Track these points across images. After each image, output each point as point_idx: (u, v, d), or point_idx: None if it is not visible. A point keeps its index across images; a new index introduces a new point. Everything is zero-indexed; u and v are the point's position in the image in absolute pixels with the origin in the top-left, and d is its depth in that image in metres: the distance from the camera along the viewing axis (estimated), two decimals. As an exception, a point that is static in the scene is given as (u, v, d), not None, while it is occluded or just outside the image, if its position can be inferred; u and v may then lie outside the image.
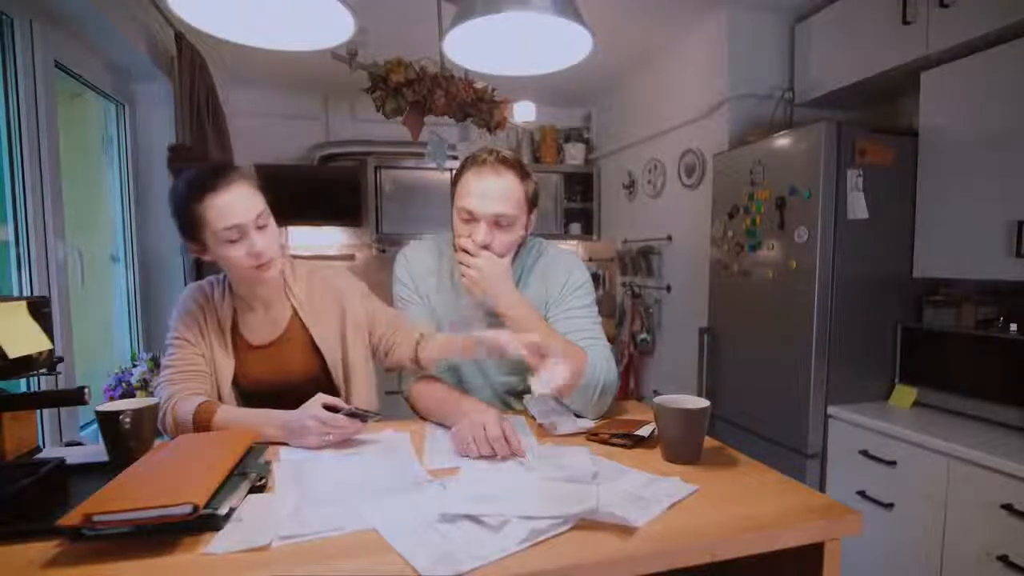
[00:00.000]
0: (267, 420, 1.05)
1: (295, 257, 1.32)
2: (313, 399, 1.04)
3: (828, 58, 2.33)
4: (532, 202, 1.27)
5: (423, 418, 1.25)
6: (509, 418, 1.16)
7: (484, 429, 0.97)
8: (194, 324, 1.18)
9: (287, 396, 1.14)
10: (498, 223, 1.20)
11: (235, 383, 1.19)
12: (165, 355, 1.18)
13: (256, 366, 1.20)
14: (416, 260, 1.36)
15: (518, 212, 1.22)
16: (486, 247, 1.21)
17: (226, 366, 1.19)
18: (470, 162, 1.23)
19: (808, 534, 0.73)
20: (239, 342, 1.21)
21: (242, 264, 1.10)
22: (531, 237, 1.36)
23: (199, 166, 1.15)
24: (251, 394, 1.20)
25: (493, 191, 1.18)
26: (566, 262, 1.36)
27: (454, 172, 1.29)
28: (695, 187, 2.77)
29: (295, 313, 1.24)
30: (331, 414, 1.01)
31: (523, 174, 1.23)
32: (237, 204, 1.07)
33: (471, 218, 1.20)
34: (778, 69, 2.53)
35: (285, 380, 1.21)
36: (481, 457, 0.97)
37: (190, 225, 1.09)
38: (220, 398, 1.18)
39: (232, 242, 1.08)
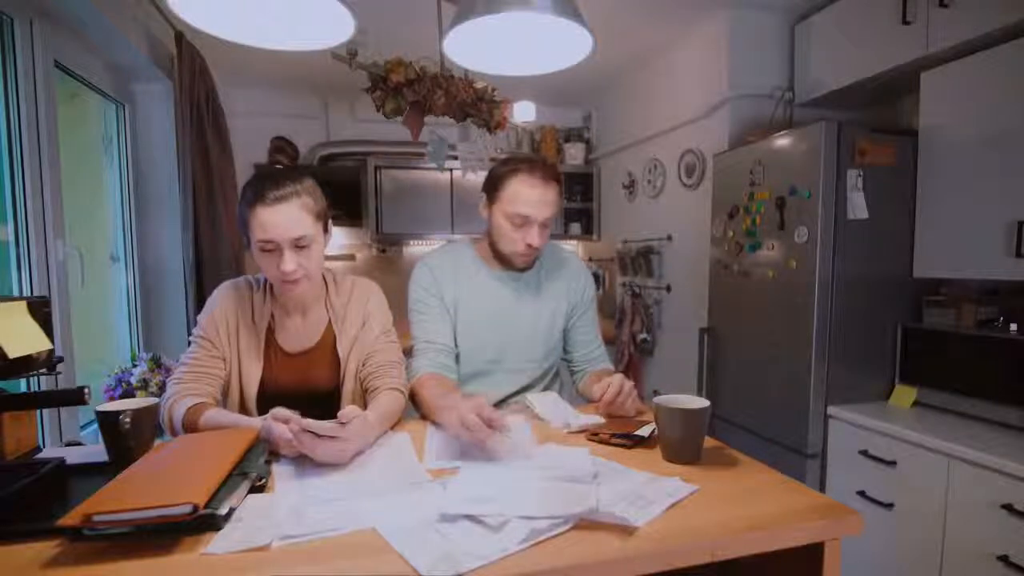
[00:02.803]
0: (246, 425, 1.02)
1: None
2: (272, 411, 0.96)
3: (828, 58, 2.33)
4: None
5: (423, 417, 1.28)
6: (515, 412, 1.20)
7: (462, 423, 0.95)
8: (223, 324, 1.17)
9: (308, 404, 1.15)
10: (545, 224, 1.33)
11: (261, 388, 1.18)
12: (185, 351, 1.18)
13: (285, 373, 1.20)
14: (440, 268, 1.42)
15: (555, 214, 1.36)
16: (539, 247, 1.35)
17: (254, 371, 1.18)
18: (520, 169, 1.32)
19: (808, 534, 0.73)
20: (272, 347, 1.20)
21: (269, 273, 1.13)
22: None
23: (278, 168, 1.15)
24: (274, 400, 1.17)
25: (546, 198, 1.31)
26: (582, 270, 1.54)
27: (494, 175, 1.36)
28: (695, 187, 2.77)
29: (330, 324, 1.24)
30: (282, 429, 0.91)
31: (559, 179, 1.36)
32: (278, 222, 1.07)
33: (524, 222, 1.31)
34: (778, 69, 2.53)
35: (310, 389, 1.21)
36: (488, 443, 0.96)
37: (241, 222, 1.12)
38: (242, 401, 1.18)
39: (266, 252, 1.09)
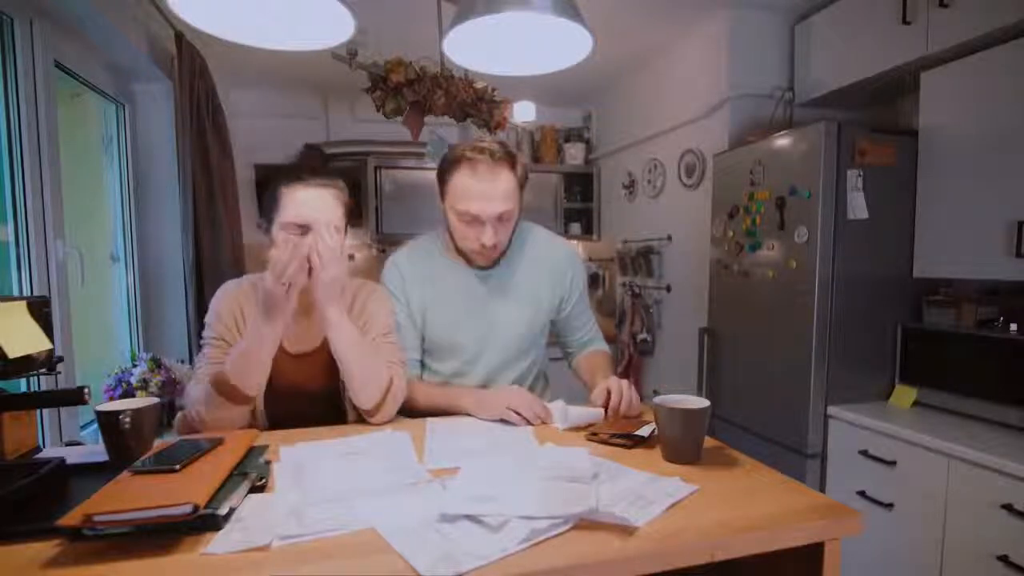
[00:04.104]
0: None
1: None
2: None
3: (828, 58, 2.33)
4: (522, 186, 1.28)
5: (417, 411, 1.28)
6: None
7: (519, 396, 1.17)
8: (231, 321, 1.17)
9: (309, 403, 1.19)
10: (500, 218, 1.22)
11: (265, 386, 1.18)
12: (198, 355, 1.18)
13: (287, 373, 1.20)
14: (409, 269, 1.36)
15: (516, 203, 1.25)
16: (495, 245, 1.24)
17: None
18: (462, 162, 1.21)
19: (808, 534, 0.73)
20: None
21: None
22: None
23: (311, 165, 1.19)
24: (277, 398, 1.19)
25: (494, 191, 1.19)
26: (566, 255, 1.45)
27: (442, 164, 1.27)
28: (695, 187, 2.77)
29: None
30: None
31: (514, 164, 1.23)
32: (316, 203, 1.12)
33: (474, 220, 1.22)
34: (778, 69, 2.53)
35: (311, 390, 1.22)
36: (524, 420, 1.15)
37: (271, 202, 1.14)
38: None
39: (294, 235, 1.11)
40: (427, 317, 1.35)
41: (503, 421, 1.18)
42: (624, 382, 1.17)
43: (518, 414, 1.16)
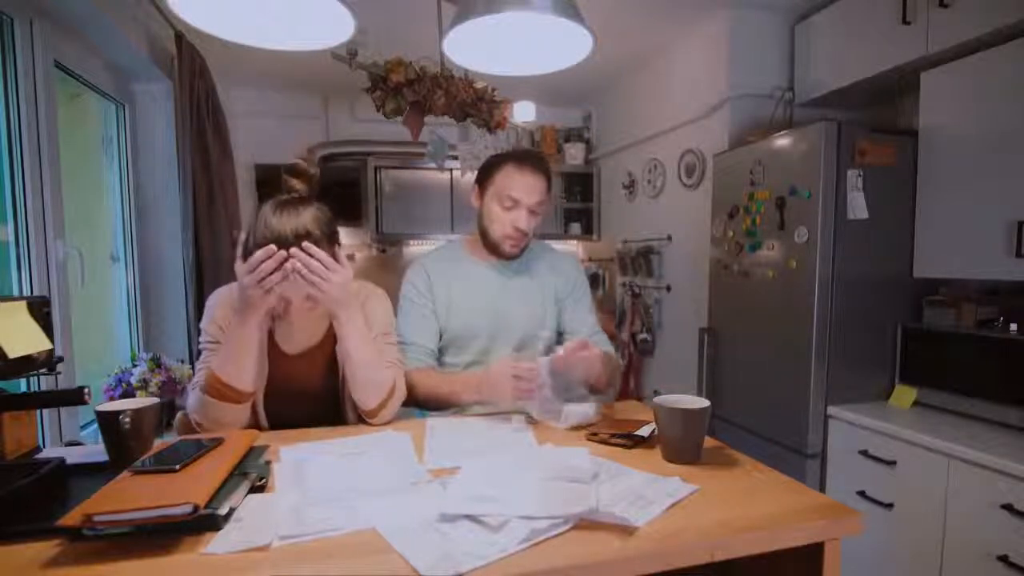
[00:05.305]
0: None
1: None
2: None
3: (828, 58, 2.33)
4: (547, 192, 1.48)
5: (418, 404, 1.33)
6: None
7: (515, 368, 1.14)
8: (227, 325, 1.17)
9: (309, 404, 1.20)
10: (533, 211, 1.41)
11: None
12: (198, 361, 1.19)
13: (287, 372, 1.20)
14: (435, 268, 1.47)
15: (545, 202, 1.44)
16: (525, 232, 1.42)
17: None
18: (512, 158, 1.42)
19: (808, 534, 0.73)
20: (272, 350, 1.21)
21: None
22: None
23: (286, 201, 1.14)
24: (275, 400, 1.19)
25: (535, 185, 1.40)
26: (570, 260, 1.61)
27: (487, 165, 1.46)
28: (695, 187, 2.77)
29: (331, 326, 1.23)
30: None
31: (548, 174, 1.46)
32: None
33: (514, 205, 1.39)
34: (778, 69, 2.53)
35: (310, 390, 1.22)
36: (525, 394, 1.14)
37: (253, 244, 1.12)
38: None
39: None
40: (451, 310, 1.45)
41: (503, 418, 1.19)
42: (595, 351, 1.20)
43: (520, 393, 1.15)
